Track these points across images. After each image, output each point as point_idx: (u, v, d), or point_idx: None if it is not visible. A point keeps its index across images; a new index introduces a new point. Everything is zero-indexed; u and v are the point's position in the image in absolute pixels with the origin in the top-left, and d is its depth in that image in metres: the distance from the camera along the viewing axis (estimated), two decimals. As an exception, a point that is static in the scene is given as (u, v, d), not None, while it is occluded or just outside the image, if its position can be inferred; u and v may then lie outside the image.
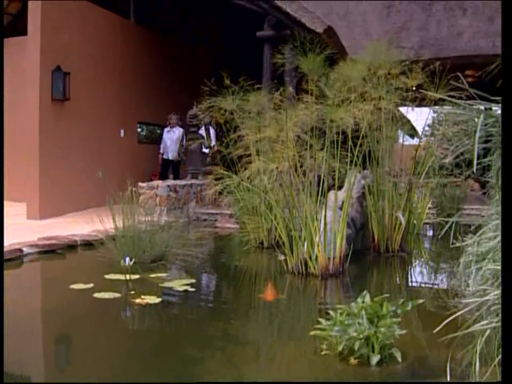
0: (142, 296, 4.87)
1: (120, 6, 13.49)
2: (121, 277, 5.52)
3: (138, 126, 13.65)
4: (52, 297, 5.38)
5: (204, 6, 14.05)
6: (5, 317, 4.36)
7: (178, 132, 12.80)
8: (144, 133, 14.68)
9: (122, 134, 12.51)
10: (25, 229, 8.70)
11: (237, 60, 13.40)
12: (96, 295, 4.95)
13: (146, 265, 6.01)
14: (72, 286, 5.26)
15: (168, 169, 13.01)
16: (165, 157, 12.99)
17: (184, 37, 15.37)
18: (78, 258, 7.16)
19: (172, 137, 12.82)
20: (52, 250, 6.99)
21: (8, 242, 6.86)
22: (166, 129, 13.05)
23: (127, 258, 5.45)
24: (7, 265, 6.20)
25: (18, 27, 12.74)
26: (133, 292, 5.09)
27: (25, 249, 6.72)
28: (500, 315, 2.64)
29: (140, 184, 9.65)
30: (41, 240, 7.20)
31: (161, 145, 13.06)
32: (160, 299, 4.90)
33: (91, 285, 5.27)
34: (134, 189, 6.60)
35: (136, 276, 5.59)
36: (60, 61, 10.32)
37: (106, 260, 6.09)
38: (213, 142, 11.98)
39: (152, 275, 5.71)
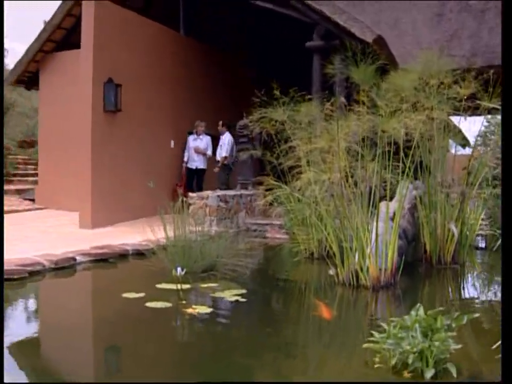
0: (193, 306, 4.90)
1: (171, 18, 13.70)
2: (173, 286, 5.56)
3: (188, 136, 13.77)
4: (104, 306, 5.46)
5: (253, 17, 14.14)
6: (58, 324, 4.46)
7: (205, 140, 12.68)
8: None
9: (172, 144, 12.66)
10: (77, 238, 8.87)
11: (287, 70, 13.39)
12: (148, 304, 4.99)
13: (197, 275, 6.04)
14: (125, 295, 5.32)
15: (194, 178, 12.76)
16: (189, 165, 12.75)
17: (233, 48, 15.48)
18: (129, 267, 7.25)
19: (198, 145, 12.68)
20: (104, 259, 7.10)
21: (61, 251, 7.02)
22: (192, 137, 12.81)
23: (179, 268, 5.49)
24: (61, 273, 6.35)
25: (72, 41, 13.03)
26: (184, 302, 5.13)
27: (78, 258, 6.84)
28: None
29: (190, 194, 9.75)
30: (93, 249, 7.31)
31: (186, 154, 12.81)
32: (211, 309, 4.93)
33: (143, 294, 5.32)
34: (184, 198, 6.67)
35: (187, 286, 5.62)
36: (111, 73, 10.53)
37: (158, 269, 6.16)
38: (224, 153, 12.05)
39: (203, 285, 5.74)
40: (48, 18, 26.70)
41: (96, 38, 10.27)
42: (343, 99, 6.46)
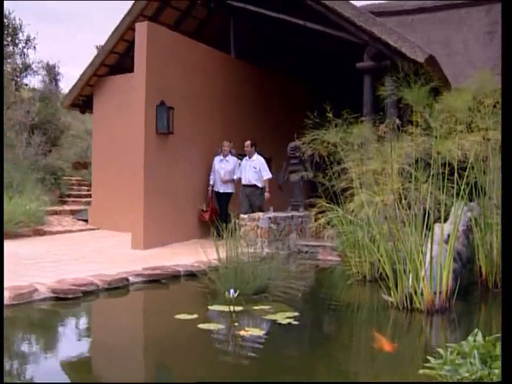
0: (246, 328, 4.89)
1: (222, 41, 13.88)
2: (225, 308, 5.56)
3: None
4: (157, 327, 5.49)
5: (302, 39, 14.19)
6: (110, 343, 4.51)
7: (232, 161, 11.91)
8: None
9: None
10: (130, 259, 8.98)
11: (338, 91, 13.39)
12: (201, 325, 5.01)
13: (249, 297, 6.03)
14: (177, 316, 5.35)
15: (221, 203, 11.85)
16: (215, 189, 11.93)
17: (284, 70, 15.56)
18: (181, 288, 7.30)
19: (225, 168, 11.86)
20: (156, 280, 7.15)
21: (114, 271, 7.11)
22: (217, 158, 11.95)
23: (231, 290, 5.50)
24: (114, 293, 6.42)
25: (125, 65, 13.32)
26: (236, 324, 5.13)
27: (131, 278, 6.92)
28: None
29: (242, 215, 9.78)
30: (146, 270, 7.38)
31: (211, 177, 11.96)
32: (263, 331, 4.91)
33: (195, 316, 5.34)
34: (236, 220, 6.69)
35: (240, 308, 5.61)
36: (164, 96, 10.70)
37: (210, 290, 6.18)
38: (266, 175, 11.36)
39: (255, 307, 5.72)
40: (100, 43, 27.38)
41: (149, 61, 10.47)
42: (397, 120, 6.39)
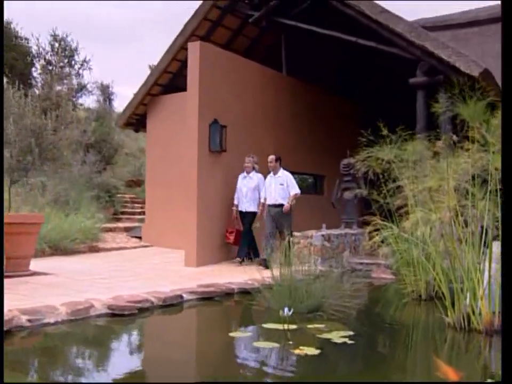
0: (301, 347, 4.84)
1: (272, 59, 13.95)
2: (279, 326, 5.53)
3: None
4: (211, 344, 5.50)
5: (354, 55, 14.17)
6: (164, 359, 4.53)
7: (256, 178, 11.06)
8: (296, 182, 14.80)
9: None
10: (183, 276, 9.07)
11: (391, 108, 13.27)
12: (255, 343, 5.00)
13: (303, 316, 5.99)
14: (232, 334, 5.36)
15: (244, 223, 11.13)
16: (240, 208, 11.13)
17: (336, 87, 15.54)
18: (235, 306, 7.31)
19: (248, 185, 11.04)
20: (210, 298, 7.18)
21: (169, 288, 7.17)
22: (241, 175, 11.21)
23: (286, 309, 5.47)
24: (169, 310, 6.47)
25: (178, 84, 13.53)
26: (291, 342, 5.09)
27: (185, 296, 6.96)
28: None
29: (294, 233, 9.76)
30: (200, 287, 7.42)
31: (236, 195, 11.21)
32: (319, 350, 4.85)
33: (250, 333, 5.34)
34: (290, 238, 6.68)
35: (294, 326, 5.57)
36: (216, 114, 10.82)
37: (263, 308, 6.17)
38: (294, 191, 10.53)
39: (310, 325, 5.68)
40: (153, 63, 27.86)
41: (202, 80, 10.60)
42: (453, 136, 6.30)
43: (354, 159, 8.35)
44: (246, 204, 10.99)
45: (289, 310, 5.50)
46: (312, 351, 4.79)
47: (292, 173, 12.53)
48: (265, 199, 10.77)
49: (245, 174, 11.13)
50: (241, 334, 5.34)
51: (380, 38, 10.84)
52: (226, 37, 13.77)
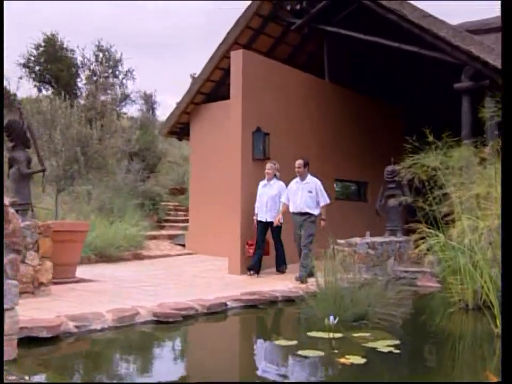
0: (346, 356, 4.79)
1: (314, 66, 13.94)
2: (324, 335, 5.49)
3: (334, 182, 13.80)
4: (256, 352, 5.50)
5: (397, 61, 14.04)
6: (208, 367, 4.53)
7: (277, 186, 10.32)
8: (338, 189, 14.76)
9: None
10: (227, 283, 9.09)
11: (435, 114, 13.10)
12: (300, 352, 4.96)
13: (348, 324, 5.94)
14: (276, 342, 5.33)
15: (265, 234, 10.34)
16: (259, 218, 10.32)
17: (379, 93, 15.42)
18: (279, 314, 7.28)
19: (268, 193, 10.28)
20: (254, 305, 7.17)
21: (213, 296, 7.19)
22: (261, 183, 10.49)
23: (331, 317, 5.43)
24: (213, 318, 6.48)
25: (220, 92, 13.63)
26: (336, 351, 5.05)
27: (229, 303, 6.96)
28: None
29: (338, 241, 9.69)
30: (244, 295, 7.41)
31: (256, 204, 10.45)
32: (364, 359, 4.79)
33: (295, 342, 5.31)
34: (335, 246, 6.63)
35: (339, 335, 5.53)
36: (259, 122, 10.84)
37: (308, 316, 6.13)
38: (323, 201, 9.75)
39: (355, 334, 5.62)
40: (194, 72, 28.07)
41: (245, 88, 10.64)
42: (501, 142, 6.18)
43: (398, 166, 8.26)
44: (267, 213, 10.23)
45: (335, 319, 5.45)
46: (357, 360, 4.74)
47: (336, 180, 12.48)
48: (284, 206, 10.00)
49: (265, 181, 10.43)
50: (286, 342, 5.30)
51: (423, 43, 10.72)
52: (269, 44, 13.82)
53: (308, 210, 9.64)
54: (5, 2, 4.59)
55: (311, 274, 8.86)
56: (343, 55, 14.59)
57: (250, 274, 10.05)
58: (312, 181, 9.84)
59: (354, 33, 12.29)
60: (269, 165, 10.37)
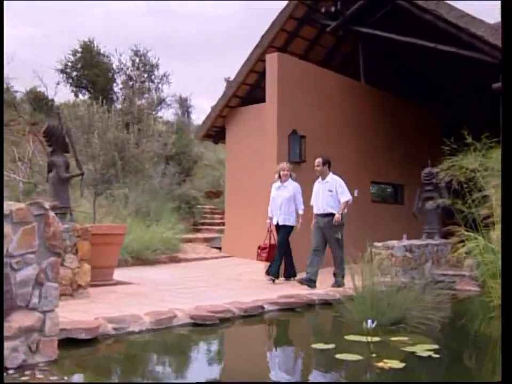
0: (385, 360, 4.74)
1: (349, 68, 13.88)
2: (362, 338, 5.45)
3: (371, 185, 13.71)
4: (292, 355, 5.48)
5: (433, 62, 13.89)
6: (244, 371, 4.52)
7: (291, 187, 9.84)
8: (375, 192, 14.66)
9: (356, 193, 12.63)
10: (263, 286, 9.09)
11: (473, 114, 12.92)
12: (338, 356, 4.92)
13: (386, 328, 5.88)
14: (314, 346, 5.30)
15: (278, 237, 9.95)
16: (274, 221, 9.93)
17: (416, 95, 15.29)
18: (316, 317, 7.25)
19: (283, 195, 9.80)
20: (291, 308, 7.15)
21: (249, 299, 7.19)
22: (274, 184, 10.02)
23: (369, 321, 5.39)
24: (250, 321, 6.48)
25: (255, 96, 13.65)
26: (374, 355, 5.00)
27: (266, 306, 6.95)
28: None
29: (375, 244, 9.61)
30: (281, 298, 7.40)
31: (270, 207, 10.01)
32: (403, 364, 4.73)
33: (332, 345, 5.27)
34: (372, 249, 6.58)
35: (377, 339, 5.47)
36: (295, 125, 10.83)
37: (345, 320, 6.09)
38: (344, 198, 9.22)
39: (393, 338, 5.56)
40: (228, 75, 28.19)
41: (280, 91, 10.65)
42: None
43: (436, 168, 8.16)
44: (280, 216, 9.77)
45: (373, 322, 5.40)
46: (396, 364, 4.68)
47: (372, 182, 12.36)
48: (303, 210, 9.76)
49: (279, 182, 9.95)
50: (323, 346, 5.27)
51: (460, 43, 10.57)
52: (303, 47, 13.81)
53: (330, 210, 9.20)
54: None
55: (342, 284, 8.74)
56: (379, 56, 14.49)
57: (274, 281, 9.64)
58: (333, 179, 9.41)
59: (390, 34, 12.19)
60: (285, 165, 9.93)
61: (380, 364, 4.66)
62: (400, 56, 14.58)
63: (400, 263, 9.53)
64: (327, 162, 9.46)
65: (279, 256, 9.77)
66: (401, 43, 12.22)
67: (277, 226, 9.87)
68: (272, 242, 9.98)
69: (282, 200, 9.74)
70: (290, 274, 9.95)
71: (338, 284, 8.78)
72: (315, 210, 9.42)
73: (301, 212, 9.76)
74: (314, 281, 8.86)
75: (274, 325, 6.88)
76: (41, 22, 47.67)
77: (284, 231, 9.79)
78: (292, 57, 12.06)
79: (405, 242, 10.05)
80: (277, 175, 9.94)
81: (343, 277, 8.85)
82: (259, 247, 10.05)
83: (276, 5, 15.95)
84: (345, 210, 9.23)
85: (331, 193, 9.26)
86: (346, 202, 9.22)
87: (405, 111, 14.63)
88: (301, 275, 9.39)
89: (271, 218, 9.95)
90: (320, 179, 9.51)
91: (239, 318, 6.44)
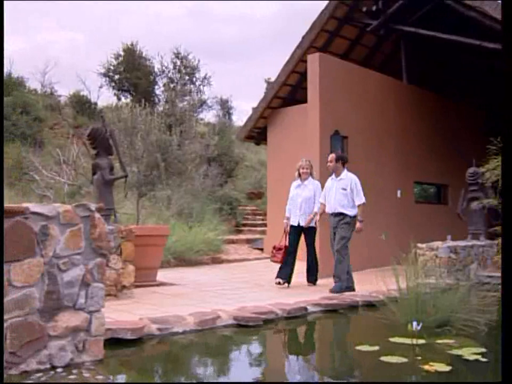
0: (430, 363, 4.68)
1: (390, 67, 13.74)
2: (407, 340, 5.38)
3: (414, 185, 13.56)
4: (337, 357, 5.45)
5: (476, 59, 13.67)
6: (288, 371, 4.51)
7: (312, 186, 9.32)
8: (418, 192, 14.50)
9: (399, 194, 12.51)
10: (305, 288, 9.07)
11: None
12: (383, 358, 4.87)
13: (431, 330, 5.79)
14: (358, 347, 5.26)
15: (299, 239, 9.43)
16: (292, 222, 9.34)
17: (459, 94, 15.07)
18: (360, 319, 7.18)
19: (303, 194, 9.28)
20: (334, 310, 7.11)
21: (293, 300, 7.18)
22: (294, 183, 9.54)
23: (415, 323, 5.32)
24: (293, 322, 6.46)
25: (297, 96, 13.64)
26: (420, 358, 4.93)
27: (309, 308, 6.92)
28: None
29: (419, 245, 9.49)
30: (323, 299, 7.37)
31: (288, 206, 9.51)
32: (450, 367, 4.66)
33: (377, 348, 5.21)
34: (416, 250, 6.50)
35: (422, 341, 5.40)
36: (337, 126, 10.78)
37: (389, 322, 6.02)
38: (359, 200, 8.76)
39: (439, 341, 5.48)
40: (268, 76, 28.21)
41: (322, 92, 10.62)
42: None
43: (481, 168, 8.02)
44: (301, 216, 9.24)
45: (418, 324, 5.33)
46: (442, 367, 4.61)
47: (415, 182, 12.17)
48: (322, 206, 9.16)
49: (299, 181, 9.41)
50: (367, 348, 5.22)
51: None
52: (344, 47, 13.75)
53: (341, 210, 8.71)
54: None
55: (349, 288, 8.49)
56: (421, 55, 14.32)
57: (280, 284, 9.12)
58: (348, 177, 8.86)
59: (432, 32, 12.04)
60: (304, 163, 9.35)
61: (426, 367, 4.60)
62: (443, 54, 14.38)
63: (445, 264, 9.38)
64: (340, 159, 8.98)
65: (314, 259, 9.50)
66: (444, 41, 12.05)
67: (296, 227, 9.31)
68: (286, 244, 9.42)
69: (302, 200, 9.25)
70: (312, 277, 9.58)
71: (337, 288, 8.44)
72: (327, 209, 8.98)
73: (316, 209, 9.21)
74: (350, 287, 8.64)
75: (318, 326, 6.85)
76: (84, 27, 48.50)
77: (311, 233, 9.36)
78: (333, 57, 12.01)
79: (450, 243, 9.90)
80: (296, 173, 9.42)
81: (343, 280, 8.54)
82: (274, 247, 9.54)
83: (315, 6, 15.89)
84: (356, 211, 8.84)
85: (344, 191, 8.77)
86: (361, 205, 8.79)
87: (448, 110, 14.43)
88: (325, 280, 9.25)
89: (288, 219, 9.42)
90: (333, 176, 9.02)
91: (282, 319, 6.43)
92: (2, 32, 4.41)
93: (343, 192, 8.74)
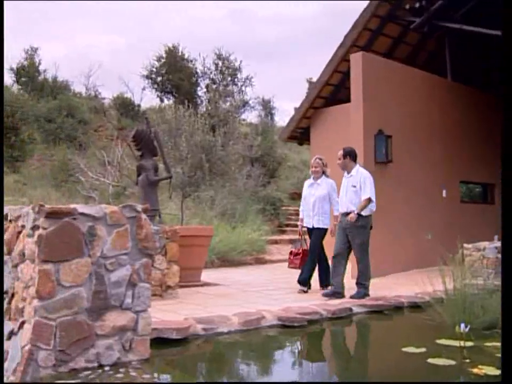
0: (479, 366, 4.59)
1: (434, 65, 13.55)
2: (454, 343, 5.29)
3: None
4: (383, 359, 5.39)
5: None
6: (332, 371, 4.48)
7: (325, 185, 8.74)
8: (463, 191, 14.28)
9: (444, 193, 12.33)
10: (350, 288, 8.93)
11: None
12: (430, 360, 4.80)
13: (479, 332, 5.68)
14: (404, 349, 5.20)
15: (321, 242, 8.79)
16: (306, 224, 8.79)
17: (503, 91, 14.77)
18: (406, 320, 7.09)
19: (316, 194, 8.70)
20: (379, 311, 7.04)
21: (337, 301, 7.14)
22: (307, 182, 9.04)
23: (463, 325, 5.23)
24: (338, 323, 6.42)
25: (339, 96, 13.57)
26: (468, 360, 4.85)
27: (354, 309, 6.87)
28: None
29: (465, 245, 9.34)
30: (369, 300, 7.32)
31: (301, 207, 9.00)
32: (499, 371, 4.57)
33: (423, 349, 5.14)
34: (463, 250, 6.40)
35: (470, 343, 5.30)
36: (381, 125, 10.67)
37: (436, 323, 5.93)
38: (365, 195, 7.99)
39: (487, 343, 5.37)
40: (310, 76, 28.11)
41: (365, 91, 10.53)
42: None
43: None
44: (314, 217, 8.63)
45: (466, 326, 5.24)
46: (492, 370, 4.52)
47: (461, 182, 11.95)
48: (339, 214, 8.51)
49: (311, 180, 8.90)
50: (414, 350, 5.15)
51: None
52: (387, 45, 13.62)
53: (353, 208, 8.03)
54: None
55: (365, 295, 7.98)
56: (466, 52, 14.08)
57: (303, 291, 8.56)
58: (358, 173, 8.22)
59: (478, 28, 11.83)
60: (317, 160, 8.86)
61: (475, 370, 4.52)
62: (489, 51, 14.11)
63: (492, 265, 9.20)
64: (348, 154, 8.35)
65: (311, 263, 8.72)
66: (491, 37, 11.82)
67: (311, 230, 8.74)
68: (305, 247, 8.92)
69: (315, 199, 8.65)
70: (324, 282, 8.81)
71: (360, 295, 7.87)
72: (340, 209, 8.39)
73: (336, 212, 8.61)
74: (341, 293, 7.99)
75: (363, 327, 6.80)
76: (125, 30, 49.15)
77: (317, 234, 8.65)
78: (376, 56, 11.90)
79: (497, 243, 9.71)
80: (310, 171, 8.97)
81: (366, 287, 8.08)
82: (291, 253, 9.11)
83: (357, 5, 15.80)
84: (369, 211, 8.09)
85: (354, 188, 8.12)
86: (368, 200, 7.97)
87: (494, 108, 14.14)
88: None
89: (302, 220, 8.89)
90: (346, 173, 8.41)
91: (327, 320, 6.39)
92: (2, 32, 4.47)
93: (353, 189, 8.13)
